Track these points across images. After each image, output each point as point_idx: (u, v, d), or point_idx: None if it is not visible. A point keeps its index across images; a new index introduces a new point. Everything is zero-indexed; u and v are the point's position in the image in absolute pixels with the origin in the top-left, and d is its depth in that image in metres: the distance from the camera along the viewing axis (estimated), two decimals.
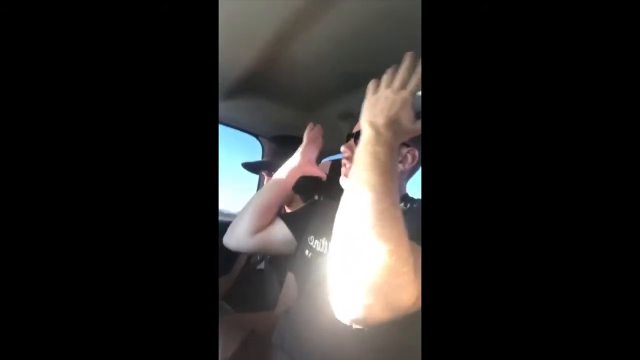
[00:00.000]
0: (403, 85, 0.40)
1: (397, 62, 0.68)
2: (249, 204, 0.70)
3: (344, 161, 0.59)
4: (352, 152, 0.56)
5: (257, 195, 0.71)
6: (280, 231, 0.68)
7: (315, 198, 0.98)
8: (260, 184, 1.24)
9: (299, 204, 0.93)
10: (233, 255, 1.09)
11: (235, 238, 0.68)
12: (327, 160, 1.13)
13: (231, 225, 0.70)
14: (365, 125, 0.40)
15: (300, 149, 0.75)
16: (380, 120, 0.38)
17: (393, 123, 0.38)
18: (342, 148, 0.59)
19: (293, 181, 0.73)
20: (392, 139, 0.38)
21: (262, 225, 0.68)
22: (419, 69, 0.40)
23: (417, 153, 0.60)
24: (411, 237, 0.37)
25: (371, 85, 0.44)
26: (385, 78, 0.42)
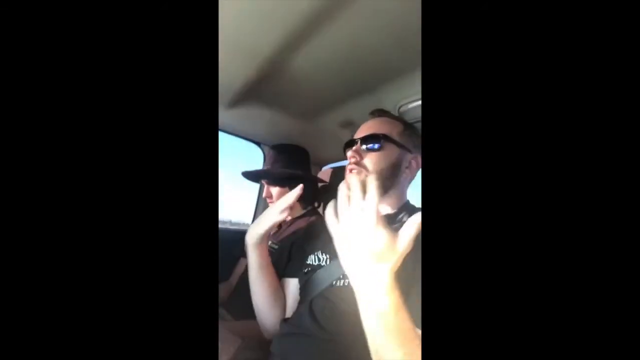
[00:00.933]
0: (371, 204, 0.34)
1: (396, 70, 0.70)
2: (255, 305, 0.63)
3: (349, 166, 0.58)
4: (360, 157, 0.57)
5: (256, 293, 0.62)
6: (294, 287, 0.63)
7: (315, 205, 0.98)
8: (261, 192, 1.25)
9: (299, 210, 0.93)
10: (232, 262, 1.09)
11: (274, 332, 0.60)
12: (328, 168, 1.14)
13: (260, 323, 0.63)
14: (358, 278, 0.34)
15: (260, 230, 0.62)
16: (373, 267, 0.33)
17: (382, 260, 0.33)
18: (349, 153, 0.59)
19: (267, 255, 0.64)
20: (396, 282, 0.33)
21: (282, 304, 0.63)
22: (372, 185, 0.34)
23: (419, 159, 0.61)
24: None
25: (330, 217, 0.37)
26: (351, 197, 0.35)
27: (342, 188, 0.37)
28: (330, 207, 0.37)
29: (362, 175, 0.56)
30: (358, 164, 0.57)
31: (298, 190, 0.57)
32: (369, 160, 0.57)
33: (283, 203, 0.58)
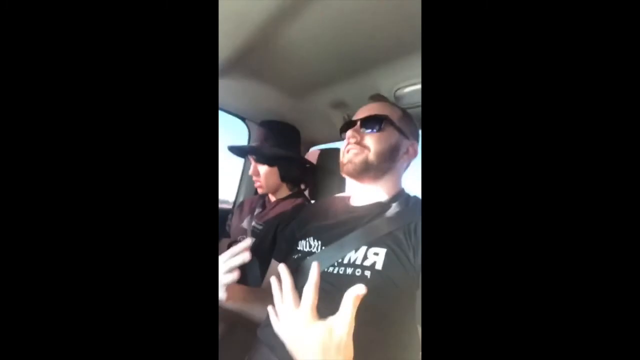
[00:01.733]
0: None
1: (394, 51, 0.67)
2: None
3: (347, 147, 0.57)
4: (361, 137, 0.56)
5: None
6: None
7: (302, 187, 0.96)
8: (245, 168, 1.20)
9: (286, 192, 0.91)
10: None
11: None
12: (315, 149, 1.11)
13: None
14: None
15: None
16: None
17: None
18: (349, 133, 0.57)
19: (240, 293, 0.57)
20: None
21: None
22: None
23: (417, 146, 0.61)
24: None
25: (272, 316, 0.39)
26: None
27: (273, 283, 0.39)
28: (270, 308, 0.40)
29: (364, 155, 0.56)
30: (359, 143, 0.56)
31: (246, 252, 0.45)
32: (370, 141, 0.56)
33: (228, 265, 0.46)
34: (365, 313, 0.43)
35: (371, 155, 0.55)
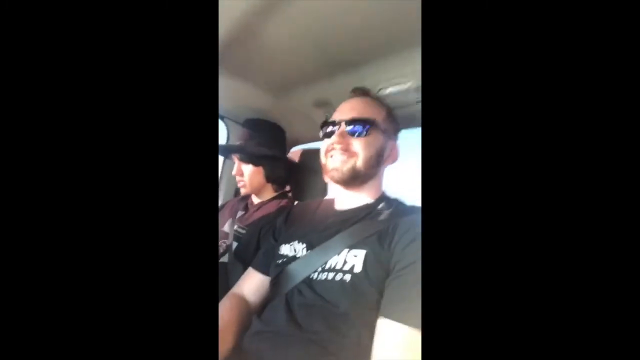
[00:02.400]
0: None
1: (380, 47, 0.65)
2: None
3: (332, 153, 0.54)
4: (348, 142, 0.53)
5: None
6: (264, 283, 0.59)
7: (287, 189, 0.93)
8: (225, 168, 1.16)
9: (270, 193, 0.88)
10: None
11: None
12: (297, 149, 1.09)
13: None
14: None
15: None
16: None
17: None
18: (335, 138, 0.53)
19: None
20: None
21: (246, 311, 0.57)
22: None
23: (398, 148, 0.59)
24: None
25: None
26: None
27: None
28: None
29: (352, 162, 0.53)
30: (346, 150, 0.53)
31: None
32: (358, 146, 0.53)
33: None
34: (339, 318, 0.42)
35: (359, 162, 0.52)
